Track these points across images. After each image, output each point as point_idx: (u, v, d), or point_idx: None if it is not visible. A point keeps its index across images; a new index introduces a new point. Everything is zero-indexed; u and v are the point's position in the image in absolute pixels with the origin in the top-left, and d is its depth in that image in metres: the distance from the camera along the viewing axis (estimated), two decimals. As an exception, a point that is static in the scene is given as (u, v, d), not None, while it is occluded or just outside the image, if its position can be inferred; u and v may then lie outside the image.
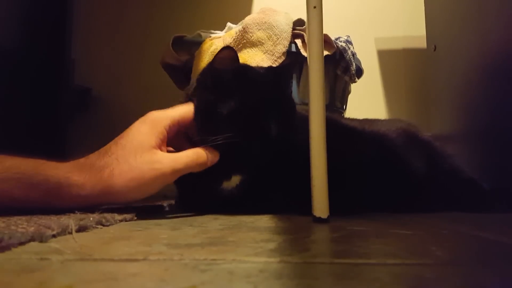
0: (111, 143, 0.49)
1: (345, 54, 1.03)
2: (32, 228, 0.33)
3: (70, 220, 0.37)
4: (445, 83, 1.08)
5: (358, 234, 0.40)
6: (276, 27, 0.96)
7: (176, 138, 0.54)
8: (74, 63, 1.33)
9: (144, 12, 1.50)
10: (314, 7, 0.48)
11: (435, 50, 1.13)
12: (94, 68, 1.46)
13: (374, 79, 1.46)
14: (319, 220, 0.45)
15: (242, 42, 0.97)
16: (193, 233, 0.38)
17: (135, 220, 0.48)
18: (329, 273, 0.24)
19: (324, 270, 0.25)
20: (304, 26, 1.00)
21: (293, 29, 0.99)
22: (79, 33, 1.35)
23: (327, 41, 0.98)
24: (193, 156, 0.51)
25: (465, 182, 0.68)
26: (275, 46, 0.95)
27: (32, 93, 1.01)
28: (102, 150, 0.49)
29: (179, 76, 1.07)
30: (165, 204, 0.65)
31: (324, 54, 0.54)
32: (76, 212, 0.43)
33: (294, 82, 0.98)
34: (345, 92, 1.12)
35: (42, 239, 0.31)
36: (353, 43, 1.08)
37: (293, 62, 0.96)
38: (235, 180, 0.57)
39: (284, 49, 0.95)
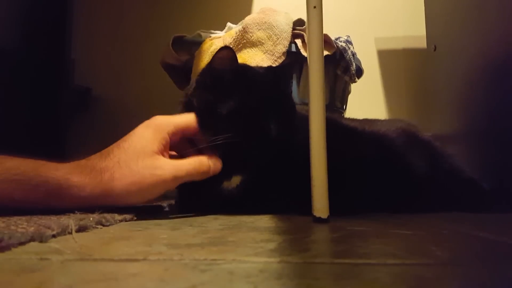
0: (114, 145, 0.49)
1: (345, 54, 1.03)
2: (32, 228, 0.33)
3: (70, 220, 0.37)
4: (445, 83, 1.08)
5: (358, 234, 0.40)
6: (276, 27, 0.96)
7: (180, 144, 0.54)
8: (74, 63, 1.33)
9: (144, 12, 1.50)
10: (314, 7, 0.48)
11: (435, 50, 1.13)
12: (94, 68, 1.46)
13: (374, 79, 1.46)
14: (319, 220, 0.45)
15: (242, 42, 0.97)
16: (193, 233, 0.38)
17: (135, 220, 0.47)
18: (329, 273, 0.24)
19: (324, 270, 0.25)
20: (304, 26, 1.00)
21: (293, 29, 0.99)
22: (79, 33, 1.35)
23: (327, 41, 0.98)
24: (195, 164, 0.51)
25: (465, 182, 0.68)
26: (275, 46, 0.95)
27: (32, 93, 1.01)
28: (104, 152, 0.49)
29: (179, 76, 1.07)
30: (165, 204, 0.65)
31: (324, 54, 0.54)
32: (76, 212, 0.43)
33: (294, 82, 0.98)
34: (345, 92, 1.12)
35: (42, 239, 0.31)
36: (353, 43, 1.08)
37: (293, 62, 0.96)
38: (235, 180, 0.57)
39: (284, 49, 0.95)
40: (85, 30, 1.45)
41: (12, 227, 0.33)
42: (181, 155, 0.54)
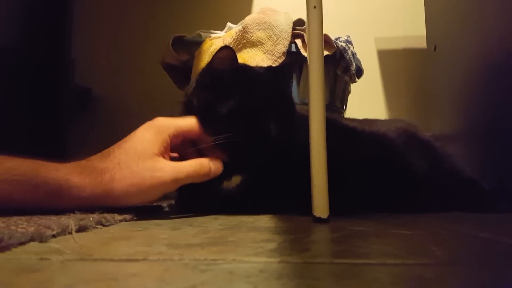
0: (115, 146, 0.49)
1: (345, 54, 1.03)
2: (32, 228, 0.33)
3: (70, 220, 0.37)
4: (445, 83, 1.08)
5: (358, 234, 0.40)
6: (276, 27, 0.96)
7: (182, 146, 0.54)
8: (74, 63, 1.33)
9: (144, 12, 1.50)
10: (314, 7, 0.48)
11: (435, 50, 1.13)
12: (94, 68, 1.46)
13: (374, 79, 1.46)
14: (319, 220, 0.45)
15: (242, 42, 0.97)
16: (193, 233, 0.38)
17: (135, 220, 0.48)
18: (329, 273, 0.24)
19: (324, 270, 0.25)
20: (304, 26, 1.00)
21: (293, 29, 0.99)
22: (79, 33, 1.35)
23: (327, 41, 0.98)
24: (196, 166, 0.51)
25: (465, 182, 0.68)
26: (275, 46, 0.95)
27: (32, 93, 1.01)
28: (105, 152, 0.48)
29: (179, 76, 1.08)
30: (165, 204, 0.65)
31: (324, 54, 0.54)
32: (76, 212, 0.43)
33: (294, 82, 0.98)
34: (345, 92, 1.12)
35: (42, 239, 0.31)
36: (353, 43, 1.08)
37: (293, 62, 0.96)
38: (235, 180, 0.57)
39: (284, 49, 0.95)
40: (85, 30, 1.45)
41: (12, 227, 0.33)
42: (182, 157, 0.54)
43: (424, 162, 0.67)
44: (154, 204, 0.64)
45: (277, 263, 0.25)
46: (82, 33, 1.41)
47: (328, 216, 0.45)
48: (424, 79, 1.29)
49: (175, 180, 0.49)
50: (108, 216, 0.43)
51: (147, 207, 0.58)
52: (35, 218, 0.39)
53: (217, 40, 0.99)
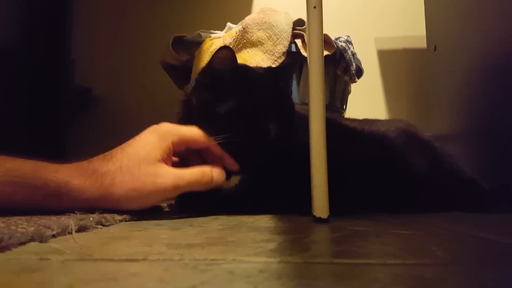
0: (118, 148, 0.49)
1: (345, 54, 1.03)
2: (32, 228, 0.33)
3: (70, 220, 0.37)
4: (445, 83, 1.08)
5: (358, 234, 0.40)
6: (276, 27, 0.96)
7: (187, 153, 0.54)
8: (74, 63, 1.33)
9: (144, 12, 1.50)
10: (314, 7, 0.48)
11: (435, 50, 1.13)
12: (94, 68, 1.46)
13: (374, 79, 1.46)
14: (319, 220, 0.45)
15: (242, 42, 0.97)
16: (193, 233, 0.38)
17: (135, 220, 0.47)
18: (329, 273, 0.24)
19: (324, 270, 0.25)
20: (304, 26, 1.00)
21: (293, 29, 0.99)
22: (79, 33, 1.35)
23: (327, 41, 0.98)
24: (197, 174, 0.50)
25: (465, 182, 0.68)
26: (275, 46, 0.95)
27: (32, 93, 1.01)
28: (107, 154, 0.48)
29: (179, 76, 1.08)
30: (164, 204, 0.65)
31: (324, 54, 0.54)
32: (76, 212, 0.43)
33: (294, 82, 0.98)
34: (345, 92, 1.12)
35: (42, 239, 0.31)
36: (353, 43, 1.08)
37: (293, 62, 0.96)
38: (234, 180, 0.57)
39: (284, 49, 0.95)
40: (85, 30, 1.45)
41: (12, 227, 0.33)
42: (185, 164, 0.54)
43: (424, 162, 0.67)
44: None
45: (277, 263, 0.25)
46: (82, 33, 1.41)
47: (328, 216, 0.45)
48: (424, 79, 1.29)
49: (176, 187, 0.48)
50: (108, 216, 0.43)
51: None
52: (35, 218, 0.39)
53: (217, 40, 0.99)
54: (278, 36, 0.96)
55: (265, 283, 0.21)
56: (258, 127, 0.54)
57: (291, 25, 0.99)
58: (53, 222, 0.36)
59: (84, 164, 0.47)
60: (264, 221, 0.48)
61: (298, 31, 0.99)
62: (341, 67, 1.04)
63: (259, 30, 0.96)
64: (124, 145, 0.49)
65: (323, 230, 0.42)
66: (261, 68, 0.71)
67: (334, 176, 0.46)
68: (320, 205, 0.46)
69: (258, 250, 0.29)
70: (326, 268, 0.25)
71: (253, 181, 0.57)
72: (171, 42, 1.05)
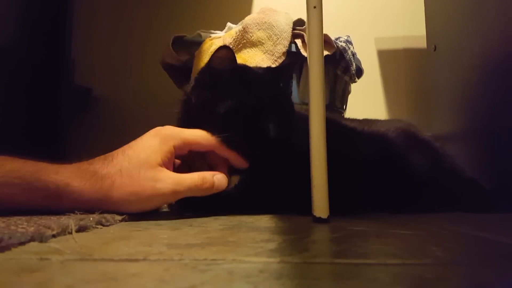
0: (119, 150, 0.49)
1: (345, 54, 1.03)
2: (32, 228, 0.33)
3: (70, 220, 0.37)
4: (445, 83, 1.08)
5: (358, 234, 0.40)
6: (276, 27, 0.96)
7: (190, 156, 0.54)
8: (74, 63, 1.33)
9: (144, 12, 1.50)
10: (314, 7, 0.48)
11: (435, 50, 1.13)
12: (94, 68, 1.46)
13: (374, 79, 1.46)
14: (319, 220, 0.45)
15: (242, 42, 0.97)
16: (193, 233, 0.38)
17: (135, 220, 0.47)
18: (329, 273, 0.24)
19: (324, 270, 0.25)
20: (304, 26, 1.00)
21: (293, 29, 0.99)
22: (79, 33, 1.35)
23: (327, 41, 0.98)
24: (197, 180, 0.50)
25: (465, 182, 0.68)
26: (275, 46, 0.95)
27: (32, 93, 1.01)
28: (108, 156, 0.48)
29: (179, 76, 1.08)
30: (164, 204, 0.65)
31: (324, 54, 0.54)
32: (76, 212, 0.43)
33: (294, 82, 0.98)
34: (345, 92, 1.12)
35: (42, 239, 0.31)
36: (353, 43, 1.08)
37: (293, 62, 0.96)
38: (234, 180, 0.57)
39: (284, 49, 0.95)
40: (85, 30, 1.45)
41: (12, 227, 0.33)
42: (189, 168, 0.54)
43: (424, 162, 0.67)
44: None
45: (277, 263, 0.25)
46: (82, 33, 1.41)
47: (328, 216, 0.45)
48: (424, 79, 1.29)
49: (175, 193, 0.48)
50: (108, 216, 0.43)
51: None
52: (35, 218, 0.39)
53: (217, 40, 0.99)
54: (278, 36, 0.96)
55: (265, 283, 0.21)
56: (257, 127, 0.54)
57: (291, 25, 0.99)
58: (53, 222, 0.36)
59: (84, 165, 0.47)
60: (264, 221, 0.48)
61: (298, 31, 0.99)
62: (341, 67, 1.04)
63: (259, 30, 0.96)
64: (125, 147, 0.49)
65: (323, 230, 0.42)
66: (261, 68, 0.71)
67: (334, 176, 0.46)
68: (320, 205, 0.46)
69: (258, 250, 0.29)
70: (326, 268, 0.25)
71: (253, 181, 0.57)
72: (171, 42, 1.05)
